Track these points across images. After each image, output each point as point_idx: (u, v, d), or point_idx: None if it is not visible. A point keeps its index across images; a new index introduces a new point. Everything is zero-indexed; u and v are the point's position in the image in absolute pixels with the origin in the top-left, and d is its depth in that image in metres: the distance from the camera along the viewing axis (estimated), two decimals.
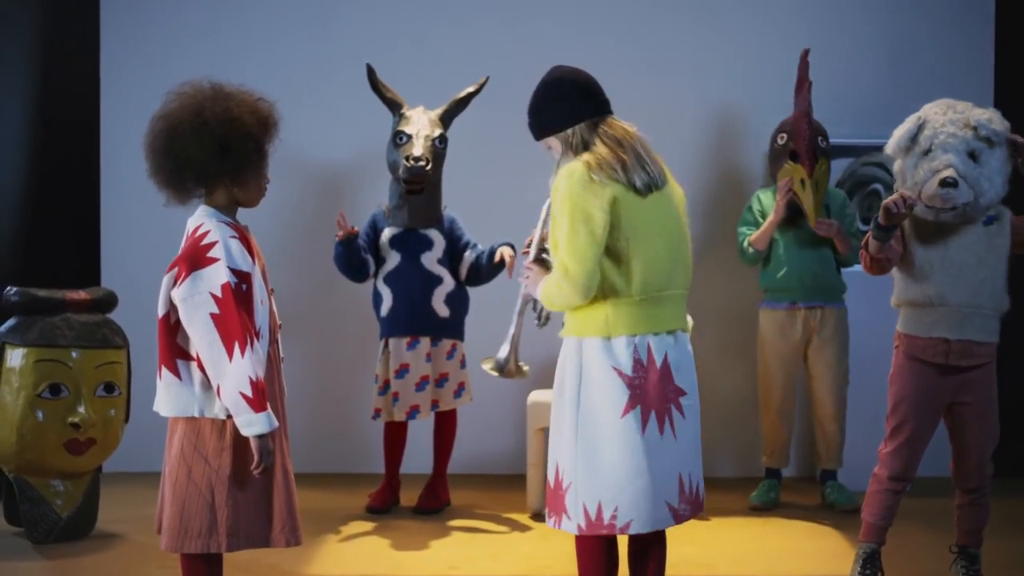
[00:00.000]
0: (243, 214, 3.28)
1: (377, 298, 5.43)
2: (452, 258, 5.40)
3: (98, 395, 4.75)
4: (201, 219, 3.15)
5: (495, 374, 3.72)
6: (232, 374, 3.00)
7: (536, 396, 5.47)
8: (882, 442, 4.12)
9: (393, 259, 5.37)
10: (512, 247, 5.22)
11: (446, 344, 5.38)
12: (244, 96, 3.17)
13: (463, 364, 5.44)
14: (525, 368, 3.72)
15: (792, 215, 5.52)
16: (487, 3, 6.39)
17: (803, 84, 5.47)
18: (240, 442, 3.11)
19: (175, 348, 3.12)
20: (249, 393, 3.00)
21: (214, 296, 3.01)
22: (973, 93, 6.14)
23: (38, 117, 6.26)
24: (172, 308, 3.10)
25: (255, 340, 3.05)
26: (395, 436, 5.48)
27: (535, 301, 3.52)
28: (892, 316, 5.83)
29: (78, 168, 6.39)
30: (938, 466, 4.61)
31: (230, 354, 2.99)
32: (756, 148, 6.28)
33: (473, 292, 5.51)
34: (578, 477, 3.17)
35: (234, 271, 3.06)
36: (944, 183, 3.85)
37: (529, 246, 3.49)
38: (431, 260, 5.36)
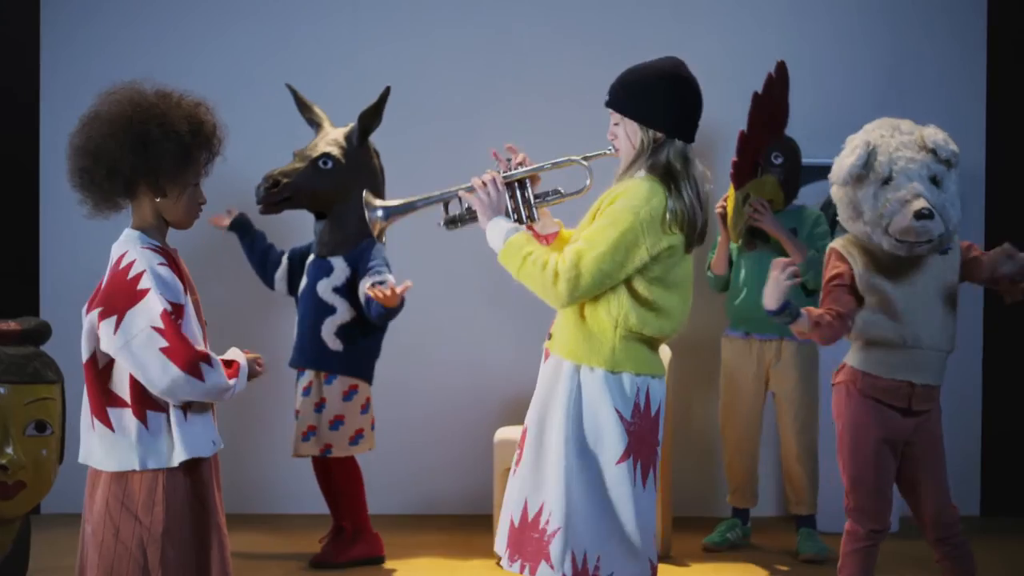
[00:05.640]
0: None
1: None
2: (354, 288, 4.94)
3: (28, 434, 4.40)
4: (124, 247, 2.86)
5: (368, 202, 3.18)
6: (212, 391, 2.77)
7: (503, 433, 5.19)
8: (844, 496, 3.74)
9: (303, 287, 5.06)
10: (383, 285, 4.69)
11: (342, 383, 4.92)
12: (181, 99, 2.88)
13: (365, 409, 4.97)
14: (383, 238, 3.17)
15: (750, 237, 5.19)
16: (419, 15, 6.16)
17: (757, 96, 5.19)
18: (172, 496, 2.82)
19: (105, 395, 2.82)
20: (230, 383, 2.80)
21: (158, 329, 2.71)
22: (966, 109, 6.04)
23: None
24: (99, 350, 2.82)
25: (210, 355, 2.79)
26: (318, 475, 5.09)
27: (459, 207, 3.14)
28: None
29: (15, 190, 6.10)
30: None
31: (201, 377, 2.72)
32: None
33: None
34: (571, 523, 2.93)
35: (166, 300, 2.77)
36: (920, 215, 3.52)
37: (509, 164, 3.13)
38: (326, 288, 4.94)
